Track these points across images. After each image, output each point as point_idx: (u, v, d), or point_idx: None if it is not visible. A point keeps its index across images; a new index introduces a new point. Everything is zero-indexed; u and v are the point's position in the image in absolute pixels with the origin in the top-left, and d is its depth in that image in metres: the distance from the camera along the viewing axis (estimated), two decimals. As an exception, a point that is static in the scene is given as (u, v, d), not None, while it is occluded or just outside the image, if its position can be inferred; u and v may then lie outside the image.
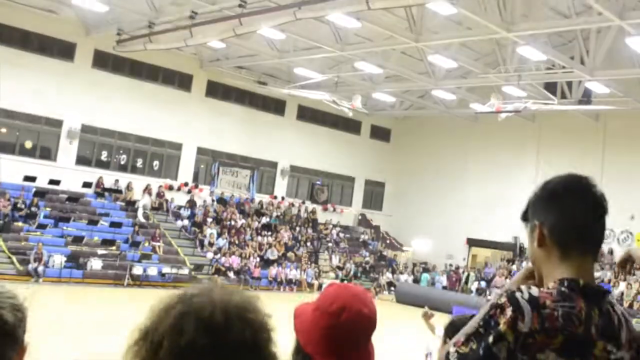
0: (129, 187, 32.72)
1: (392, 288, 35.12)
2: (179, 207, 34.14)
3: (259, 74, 35.64)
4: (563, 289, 1.95)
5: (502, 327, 1.87)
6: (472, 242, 39.33)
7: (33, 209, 28.19)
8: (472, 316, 2.01)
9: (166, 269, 28.69)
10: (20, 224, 27.47)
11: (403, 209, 42.71)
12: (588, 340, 1.90)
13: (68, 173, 30.52)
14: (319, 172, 41.31)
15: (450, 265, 37.36)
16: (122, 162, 33.66)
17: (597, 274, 30.31)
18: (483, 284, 33.73)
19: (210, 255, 31.71)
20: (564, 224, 2.04)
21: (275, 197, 39.04)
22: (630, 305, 28.88)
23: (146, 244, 29.72)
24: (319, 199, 41.39)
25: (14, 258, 25.41)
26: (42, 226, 27.62)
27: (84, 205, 30.65)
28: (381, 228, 42.56)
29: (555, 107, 30.03)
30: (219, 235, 33.15)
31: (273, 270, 32.84)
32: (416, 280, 36.24)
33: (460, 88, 33.66)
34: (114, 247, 28.50)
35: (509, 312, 1.88)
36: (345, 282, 30.87)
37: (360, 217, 43.19)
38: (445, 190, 40.53)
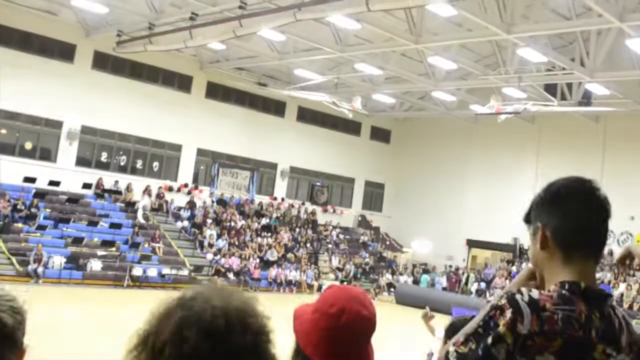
0: (128, 188, 32.72)
1: (392, 289, 35.11)
2: (179, 208, 34.14)
3: (259, 76, 35.64)
4: (564, 292, 1.96)
5: (501, 328, 1.87)
6: (471, 243, 39.32)
7: (33, 210, 28.19)
8: (473, 317, 2.01)
9: (166, 270, 28.69)
10: (20, 225, 27.47)
11: (403, 210, 42.71)
12: (588, 344, 1.90)
13: (68, 174, 30.52)
14: (318, 173, 41.31)
15: (450, 266, 37.36)
16: (122, 163, 33.67)
17: (597, 275, 30.31)
18: (483, 285, 33.73)
19: (210, 256, 31.70)
20: (567, 226, 2.04)
21: (275, 199, 39.04)
22: (630, 307, 28.89)
23: (146, 245, 29.71)
24: (319, 200, 41.39)
25: (13, 259, 25.41)
26: (41, 227, 27.63)
27: (83, 206, 30.64)
28: (381, 229, 42.55)
29: (555, 109, 30.04)
30: (219, 236, 33.15)
31: (273, 272, 32.84)
32: (416, 282, 36.24)
33: (460, 89, 33.66)
34: (113, 248, 28.49)
35: (508, 313, 1.88)
36: (345, 283, 30.88)
37: (360, 219, 43.19)
38: (445, 191, 40.52)
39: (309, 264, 35.24)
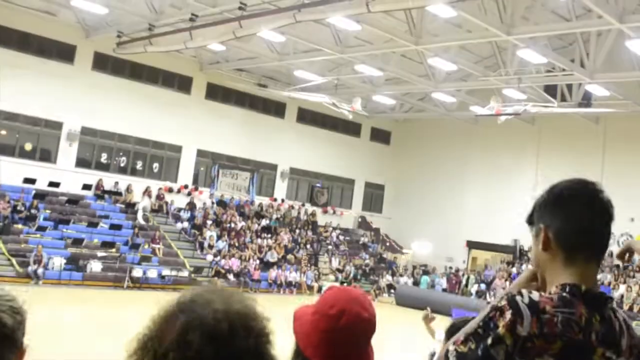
0: (128, 190, 32.71)
1: (392, 290, 35.11)
2: (179, 210, 34.13)
3: (259, 77, 35.65)
4: (564, 294, 1.95)
5: (501, 330, 1.87)
6: (472, 245, 39.31)
7: (33, 211, 28.18)
8: (473, 318, 2.01)
9: (166, 271, 28.69)
10: (20, 226, 27.46)
11: (403, 212, 42.71)
12: (587, 347, 1.90)
13: (68, 175, 30.52)
14: (318, 174, 41.31)
15: (450, 267, 37.36)
16: (122, 165, 33.67)
17: (597, 277, 30.32)
18: (483, 286, 33.73)
19: (210, 257, 31.69)
20: (570, 228, 2.03)
21: (275, 200, 39.04)
22: (630, 308, 28.88)
23: (146, 246, 29.71)
24: (319, 201, 41.38)
25: (13, 260, 25.40)
26: (41, 228, 27.62)
27: (83, 207, 30.63)
28: (381, 230, 42.55)
29: (555, 110, 30.07)
30: (219, 237, 33.14)
31: (273, 273, 32.84)
32: (416, 283, 36.24)
33: (460, 91, 33.66)
34: (113, 250, 28.50)
35: (508, 315, 1.88)
36: (345, 284, 30.89)
37: (360, 220, 43.19)
38: (445, 192, 40.53)
39: (309, 265, 35.24)
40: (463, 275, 35.69)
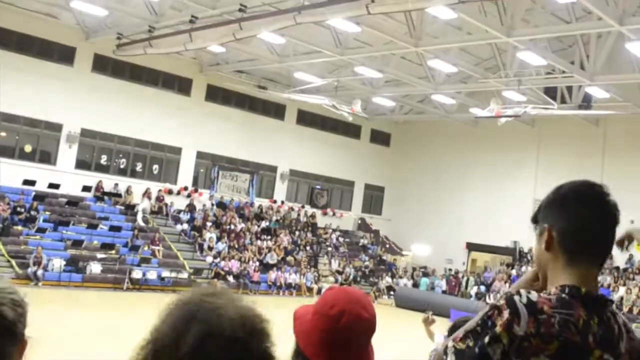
0: (128, 191, 32.71)
1: (392, 292, 35.10)
2: (179, 211, 34.13)
3: (258, 79, 35.67)
4: (564, 295, 1.96)
5: (498, 328, 1.88)
6: (471, 247, 39.29)
7: (32, 212, 28.18)
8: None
9: (165, 273, 28.68)
10: (19, 227, 27.46)
11: (402, 214, 42.72)
12: (585, 349, 1.90)
13: (67, 177, 30.53)
14: (318, 176, 41.31)
15: (450, 269, 37.33)
16: (122, 166, 33.67)
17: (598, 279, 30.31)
18: (482, 288, 33.71)
19: (209, 259, 31.69)
20: (574, 230, 2.03)
21: (275, 201, 39.04)
22: (630, 310, 28.87)
23: (145, 248, 29.70)
24: (319, 203, 41.38)
25: (13, 262, 25.40)
26: (41, 230, 27.61)
27: (83, 209, 30.63)
28: (381, 232, 42.55)
29: (555, 112, 30.08)
30: (219, 239, 33.13)
31: (272, 275, 32.83)
32: (416, 285, 36.24)
33: (460, 93, 33.68)
34: (113, 251, 28.50)
35: (506, 314, 1.89)
36: (345, 286, 30.86)
37: (359, 222, 43.18)
38: (445, 194, 40.54)
39: (308, 267, 35.23)
40: (463, 277, 35.68)
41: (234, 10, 23.95)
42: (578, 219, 2.03)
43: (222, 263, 31.59)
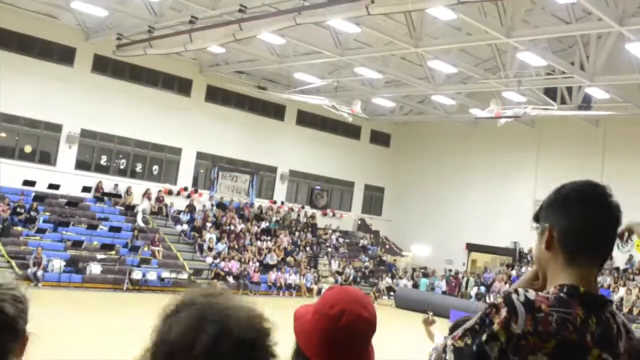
0: (128, 192, 32.70)
1: (392, 293, 35.10)
2: (179, 212, 34.13)
3: (258, 79, 35.67)
4: (562, 294, 1.96)
5: (495, 326, 1.89)
6: (471, 247, 39.28)
7: (32, 213, 28.18)
8: None
9: (165, 274, 28.68)
10: (19, 228, 27.45)
11: (402, 214, 42.71)
12: (582, 347, 1.90)
13: (67, 177, 30.53)
14: (318, 177, 41.31)
15: (450, 270, 37.32)
16: (122, 167, 33.67)
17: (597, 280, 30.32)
18: (482, 289, 33.70)
19: (209, 259, 31.68)
20: (575, 230, 2.04)
21: (275, 202, 39.03)
22: (630, 311, 28.86)
23: (145, 249, 29.70)
24: (319, 203, 41.38)
25: (13, 262, 25.38)
26: (41, 230, 27.60)
27: (83, 209, 30.63)
28: (380, 233, 42.54)
29: (555, 113, 30.08)
30: (218, 239, 33.12)
31: (272, 275, 32.83)
32: (415, 286, 36.23)
33: (460, 93, 33.67)
34: (113, 252, 28.49)
35: (503, 312, 1.90)
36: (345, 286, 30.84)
37: (359, 222, 43.17)
38: (445, 195, 40.54)
39: (308, 267, 35.22)
40: (463, 277, 35.67)
41: (234, 11, 23.95)
42: (579, 219, 2.03)
43: (222, 264, 31.58)
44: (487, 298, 31.90)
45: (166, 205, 33.77)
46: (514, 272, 33.75)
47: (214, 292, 1.70)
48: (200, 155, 35.94)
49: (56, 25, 29.85)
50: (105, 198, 31.84)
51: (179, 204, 34.60)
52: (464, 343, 1.93)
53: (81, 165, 31.88)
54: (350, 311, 2.02)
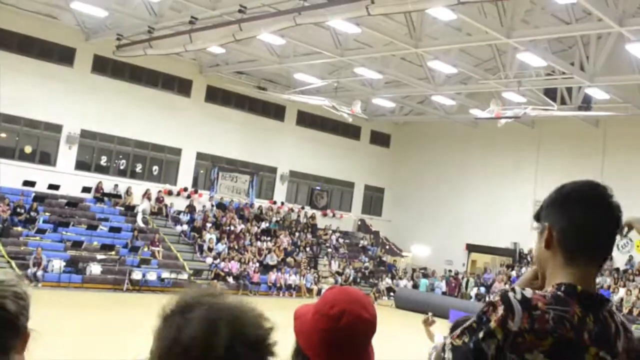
0: (128, 192, 32.70)
1: (392, 293, 35.11)
2: (178, 212, 34.12)
3: (258, 80, 35.67)
4: (559, 293, 1.97)
5: (492, 324, 1.91)
6: (471, 248, 39.29)
7: (32, 213, 28.17)
8: None
9: (165, 274, 28.67)
10: (19, 228, 27.44)
11: (402, 215, 42.71)
12: (579, 345, 1.91)
13: (67, 178, 30.52)
14: (318, 177, 41.31)
15: (450, 270, 37.32)
16: (122, 167, 33.66)
17: (596, 280, 30.30)
18: (482, 289, 33.70)
19: (209, 260, 31.68)
20: (574, 229, 2.04)
21: (275, 203, 39.02)
22: (630, 312, 28.85)
23: (145, 249, 29.70)
24: (319, 204, 41.37)
25: (13, 263, 25.36)
26: (41, 231, 27.59)
27: (83, 210, 30.63)
28: (380, 233, 42.54)
29: (555, 113, 30.07)
30: (218, 240, 33.11)
31: (272, 276, 32.82)
32: (415, 286, 36.22)
33: (460, 94, 33.67)
34: (113, 252, 28.49)
35: (500, 310, 1.91)
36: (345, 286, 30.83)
37: (359, 223, 43.16)
38: (445, 195, 40.53)
39: (308, 268, 35.22)
40: (462, 278, 35.66)
41: (234, 11, 23.95)
42: (579, 218, 2.04)
43: (222, 264, 31.57)
44: (487, 299, 31.86)
45: (166, 206, 33.77)
46: (513, 273, 33.75)
47: (214, 292, 1.70)
48: (200, 156, 35.94)
49: (56, 25, 29.84)
50: (105, 198, 31.84)
51: (178, 204, 34.60)
52: (461, 341, 1.94)
53: (81, 165, 31.88)
54: (351, 311, 2.02)
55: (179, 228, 33.27)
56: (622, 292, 30.17)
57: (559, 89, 30.30)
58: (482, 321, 1.93)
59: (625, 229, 2.38)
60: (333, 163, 41.12)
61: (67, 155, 31.19)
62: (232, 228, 34.68)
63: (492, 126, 33.47)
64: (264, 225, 36.65)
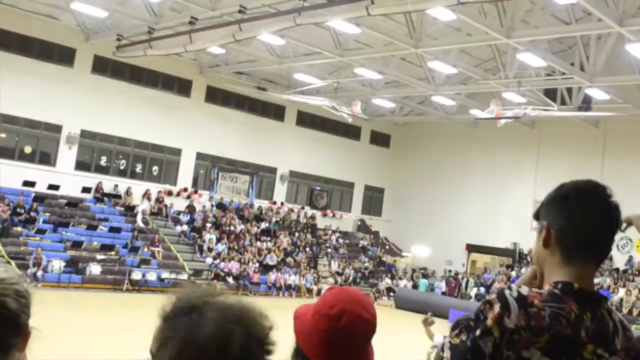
0: (128, 192, 32.70)
1: (391, 294, 35.11)
2: (178, 213, 34.12)
3: (258, 80, 35.66)
4: (556, 291, 1.98)
5: (489, 321, 1.92)
6: (471, 248, 39.30)
7: (32, 213, 28.17)
8: None
9: (165, 274, 28.68)
10: (19, 228, 27.44)
11: (402, 215, 42.71)
12: (576, 342, 1.91)
13: (67, 178, 30.52)
14: (318, 177, 41.31)
15: (450, 271, 37.33)
16: (122, 167, 33.66)
17: (596, 280, 30.31)
18: (482, 289, 33.70)
19: (209, 260, 31.68)
20: (572, 228, 2.05)
21: (275, 203, 39.02)
22: (630, 312, 28.85)
23: (145, 249, 29.70)
24: (318, 204, 41.37)
25: (12, 263, 25.35)
26: (41, 231, 27.58)
27: (83, 210, 30.62)
28: (380, 234, 42.54)
29: (555, 114, 30.07)
30: (218, 240, 33.12)
31: (272, 276, 32.82)
32: (415, 286, 36.22)
33: (460, 94, 33.67)
34: (113, 252, 28.49)
35: (496, 308, 1.92)
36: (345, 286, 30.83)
37: (359, 223, 43.16)
38: (445, 196, 40.53)
39: (308, 268, 35.22)
40: (462, 278, 35.67)
41: (234, 12, 23.95)
42: (578, 217, 2.04)
43: (222, 264, 31.58)
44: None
45: (166, 206, 33.77)
46: (513, 273, 33.76)
47: (215, 291, 1.70)
48: (200, 156, 35.94)
49: (56, 26, 29.84)
50: (105, 199, 31.84)
51: (178, 204, 34.60)
52: (459, 340, 1.95)
53: (81, 165, 31.88)
54: (350, 311, 2.02)
55: (178, 228, 33.27)
56: (621, 292, 30.19)
57: (559, 89, 30.30)
58: (479, 319, 1.94)
59: (624, 225, 2.38)
60: (333, 163, 41.12)
61: (67, 155, 31.19)
62: (232, 228, 34.68)
63: (492, 126, 33.47)
64: (263, 225, 36.65)
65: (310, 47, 27.91)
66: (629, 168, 32.58)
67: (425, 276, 37.37)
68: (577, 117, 31.54)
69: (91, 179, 31.69)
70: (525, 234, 32.47)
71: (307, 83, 32.78)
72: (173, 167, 35.34)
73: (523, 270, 32.63)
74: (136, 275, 27.75)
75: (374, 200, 44.52)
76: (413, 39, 25.64)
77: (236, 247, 33.60)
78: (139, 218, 31.58)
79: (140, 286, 27.61)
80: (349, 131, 41.64)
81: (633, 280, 31.06)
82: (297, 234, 37.98)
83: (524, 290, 1.96)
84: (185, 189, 35.34)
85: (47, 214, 28.91)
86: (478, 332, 1.91)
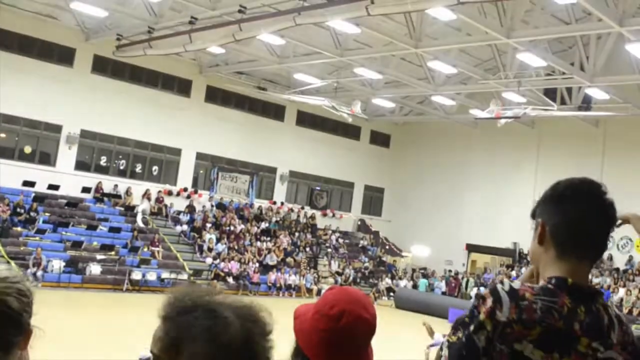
0: (128, 192, 32.69)
1: (391, 294, 35.11)
2: (178, 212, 34.11)
3: (258, 80, 35.66)
4: (549, 285, 1.99)
5: (481, 315, 1.93)
6: (471, 248, 39.29)
7: (32, 213, 28.17)
8: None
9: (165, 274, 28.68)
10: (19, 228, 27.44)
11: (402, 215, 42.70)
12: (570, 335, 1.92)
13: (67, 178, 30.51)
14: (318, 177, 41.30)
15: (450, 270, 37.34)
16: (121, 167, 33.66)
17: (596, 280, 30.33)
18: (482, 289, 33.60)
19: (209, 260, 31.67)
20: (567, 225, 2.06)
21: (275, 203, 39.01)
22: (630, 312, 28.85)
23: (145, 249, 29.70)
24: (318, 204, 41.37)
25: (12, 263, 25.30)
26: (41, 231, 27.58)
27: (83, 210, 30.62)
28: (380, 233, 42.53)
29: (554, 113, 30.07)
30: (218, 240, 33.11)
31: (272, 276, 32.81)
32: (415, 286, 36.23)
33: (460, 94, 33.67)
34: (113, 252, 28.49)
35: (489, 302, 1.94)
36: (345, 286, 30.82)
37: (359, 223, 43.16)
38: (445, 195, 40.53)
39: (308, 268, 35.22)
40: (462, 278, 35.68)
41: (234, 12, 23.95)
42: (572, 213, 2.05)
43: (222, 264, 31.57)
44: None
45: (166, 206, 33.77)
46: (513, 273, 33.74)
47: (214, 290, 1.71)
48: (200, 156, 35.93)
49: (56, 26, 29.84)
50: (105, 199, 31.83)
51: (178, 204, 34.60)
52: (456, 337, 1.97)
53: (81, 165, 31.88)
54: (351, 312, 2.02)
55: (178, 228, 33.27)
56: (622, 292, 30.19)
57: (559, 89, 30.31)
58: (473, 315, 1.95)
59: (619, 222, 2.39)
60: (333, 163, 41.12)
61: (67, 155, 31.18)
62: (232, 228, 34.68)
63: (492, 126, 33.47)
64: (263, 225, 36.65)
65: (310, 47, 27.91)
66: (628, 167, 32.59)
67: (425, 276, 37.37)
68: (577, 116, 31.54)
69: (91, 179, 31.70)
70: (525, 234, 32.26)
71: (307, 83, 32.78)
72: (173, 167, 35.33)
73: (523, 270, 32.63)
74: (136, 275, 27.75)
75: (373, 200, 44.51)
76: (413, 38, 25.65)
77: (236, 247, 33.60)
78: (138, 218, 31.58)
79: (140, 286, 27.61)
80: (349, 131, 41.64)
81: (633, 280, 31.06)
82: (297, 234, 37.98)
83: (516, 284, 1.98)
84: (185, 189, 35.34)
85: (47, 214, 28.91)
86: (472, 328, 1.93)
